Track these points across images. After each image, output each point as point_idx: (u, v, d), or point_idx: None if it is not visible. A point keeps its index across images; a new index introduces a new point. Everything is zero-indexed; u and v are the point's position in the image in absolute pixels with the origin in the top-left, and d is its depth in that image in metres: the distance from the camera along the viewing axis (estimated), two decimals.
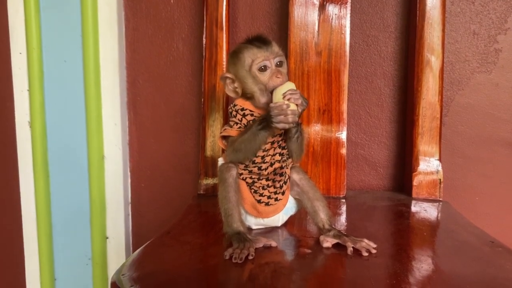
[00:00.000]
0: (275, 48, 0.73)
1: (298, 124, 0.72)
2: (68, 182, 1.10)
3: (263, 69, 0.72)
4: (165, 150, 1.11)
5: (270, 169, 0.74)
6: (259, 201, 0.75)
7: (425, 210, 0.91)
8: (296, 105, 0.68)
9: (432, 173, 0.97)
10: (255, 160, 0.73)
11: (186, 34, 1.07)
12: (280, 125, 0.68)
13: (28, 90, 1.08)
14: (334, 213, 0.90)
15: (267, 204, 0.75)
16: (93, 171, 1.08)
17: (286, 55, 0.97)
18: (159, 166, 1.11)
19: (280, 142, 0.74)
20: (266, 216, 0.76)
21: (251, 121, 0.73)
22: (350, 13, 0.97)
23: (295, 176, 0.77)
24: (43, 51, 1.07)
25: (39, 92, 1.08)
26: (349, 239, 0.69)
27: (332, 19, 0.97)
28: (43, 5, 1.06)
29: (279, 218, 0.77)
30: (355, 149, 1.07)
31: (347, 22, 0.97)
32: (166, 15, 1.07)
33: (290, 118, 0.67)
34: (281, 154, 0.74)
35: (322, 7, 0.97)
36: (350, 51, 0.98)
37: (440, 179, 0.97)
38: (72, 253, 1.12)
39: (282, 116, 0.67)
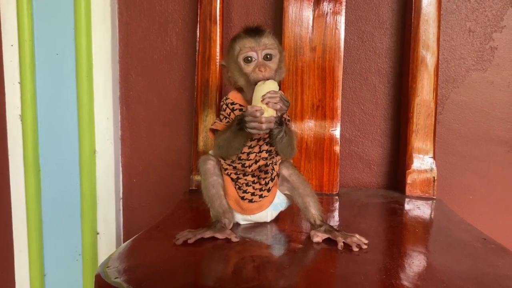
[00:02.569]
0: (267, 40, 0.70)
1: (283, 124, 0.69)
2: (59, 177, 1.09)
3: (248, 59, 0.70)
4: (158, 145, 1.09)
5: (255, 166, 0.72)
6: (242, 198, 0.73)
7: (418, 207, 0.90)
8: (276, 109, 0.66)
9: (426, 171, 0.96)
10: (240, 156, 0.71)
11: (180, 28, 1.06)
12: (254, 131, 0.66)
13: (19, 82, 1.07)
14: (326, 209, 0.89)
15: (250, 201, 0.73)
16: (84, 166, 1.07)
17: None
18: (151, 161, 1.10)
19: (267, 139, 0.71)
20: (251, 213, 0.75)
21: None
22: (345, 9, 0.96)
23: (285, 172, 0.75)
24: (35, 43, 1.06)
25: (31, 85, 1.07)
26: (340, 234, 0.68)
27: (327, 14, 0.96)
28: None
29: (267, 214, 0.76)
30: (348, 146, 1.06)
31: (342, 18, 0.96)
32: (160, 9, 1.06)
33: (264, 126, 0.65)
34: (268, 151, 0.72)
35: (317, 3, 0.96)
36: (345, 47, 0.98)
37: (434, 177, 0.96)
38: (62, 248, 1.11)
39: (255, 123, 0.65)
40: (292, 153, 0.74)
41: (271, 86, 0.67)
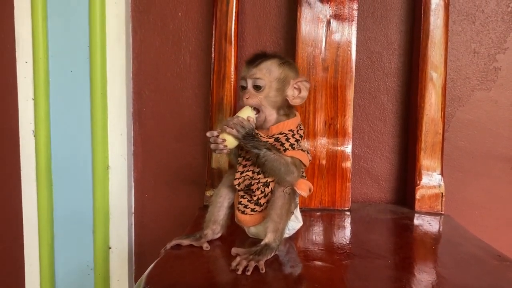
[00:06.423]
0: (257, 70, 0.75)
1: (260, 148, 0.71)
2: (72, 192, 1.10)
3: (242, 87, 0.77)
4: (170, 161, 1.11)
5: (242, 185, 0.76)
6: (238, 208, 0.77)
7: (428, 223, 0.93)
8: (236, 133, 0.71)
9: (434, 187, 0.99)
10: (235, 175, 0.77)
11: (193, 47, 1.08)
12: (217, 152, 0.73)
13: (33, 99, 1.08)
14: (338, 225, 0.92)
15: (243, 212, 0.76)
16: (97, 181, 1.08)
17: None
18: (163, 177, 1.12)
19: (251, 158, 0.75)
20: (246, 225, 0.77)
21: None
22: (356, 30, 0.99)
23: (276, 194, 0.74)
24: (50, 60, 1.07)
25: (44, 102, 1.08)
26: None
27: (338, 36, 0.99)
28: (50, 14, 1.06)
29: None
30: (358, 162, 1.08)
31: (353, 39, 0.99)
32: (174, 28, 1.08)
33: (221, 146, 0.71)
34: (254, 172, 0.75)
35: (329, 24, 0.99)
36: (355, 66, 1.01)
37: (442, 193, 0.99)
38: (74, 263, 1.12)
39: (213, 145, 0.72)
40: (277, 177, 0.73)
41: (244, 112, 0.74)
